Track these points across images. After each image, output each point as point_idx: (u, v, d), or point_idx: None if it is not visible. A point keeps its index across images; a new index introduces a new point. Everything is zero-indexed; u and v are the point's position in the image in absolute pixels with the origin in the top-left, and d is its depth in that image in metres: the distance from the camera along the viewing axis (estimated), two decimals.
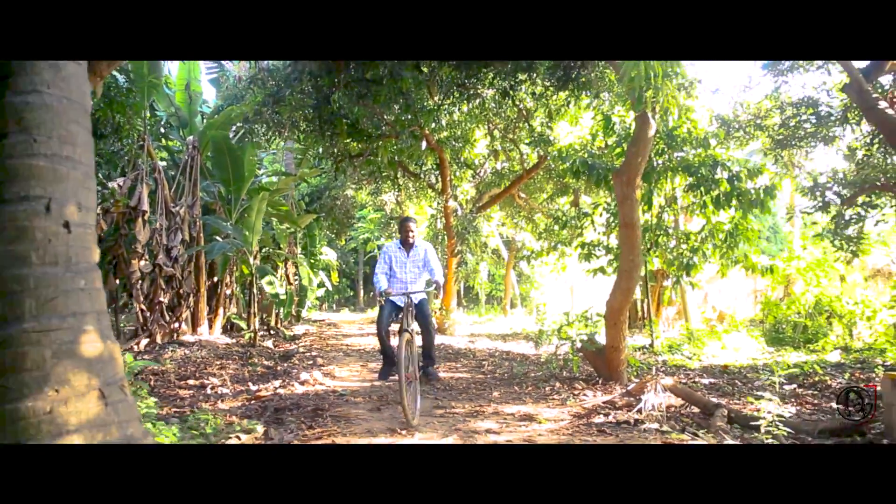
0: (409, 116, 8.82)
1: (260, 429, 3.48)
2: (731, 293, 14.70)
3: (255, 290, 9.51)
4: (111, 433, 2.16)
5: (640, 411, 4.14)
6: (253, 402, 5.00)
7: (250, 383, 5.86)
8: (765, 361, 7.81)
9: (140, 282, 8.64)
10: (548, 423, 4.08)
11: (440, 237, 12.61)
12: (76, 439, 2.04)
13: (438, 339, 10.80)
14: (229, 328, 10.40)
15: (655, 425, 3.81)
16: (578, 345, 6.04)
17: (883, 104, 7.16)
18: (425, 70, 8.29)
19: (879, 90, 7.76)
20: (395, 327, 4.94)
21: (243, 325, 9.71)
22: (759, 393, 4.28)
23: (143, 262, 8.66)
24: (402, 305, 4.81)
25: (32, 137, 2.20)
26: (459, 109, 9.40)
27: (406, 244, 5.16)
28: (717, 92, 13.71)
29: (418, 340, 4.82)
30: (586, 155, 9.39)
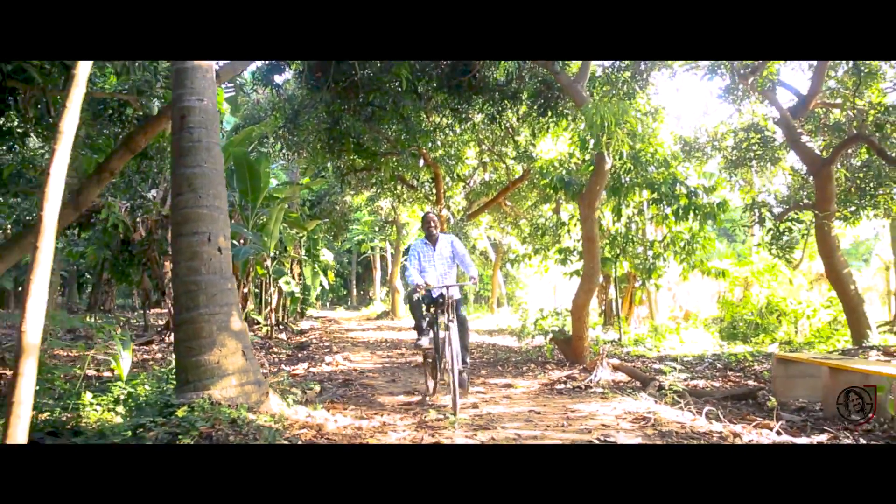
0: (409, 137, 10.23)
1: (317, 387, 4.89)
2: (697, 294, 16.31)
3: (271, 289, 10.89)
4: (249, 377, 3.57)
5: (590, 381, 5.60)
6: (291, 378, 6.39)
7: (282, 365, 7.24)
8: (714, 352, 9.31)
9: (169, 281, 9.95)
10: (521, 388, 5.54)
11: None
12: (233, 379, 3.45)
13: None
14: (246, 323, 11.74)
15: (599, 390, 5.28)
16: (550, 335, 7.51)
17: (805, 138, 8.72)
18: (421, 90, 9.69)
19: (805, 125, 9.32)
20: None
21: (260, 319, 11.08)
22: (672, 367, 5.76)
23: (168, 264, 9.97)
24: (435, 298, 4.89)
25: (198, 195, 3.60)
26: (453, 131, 10.84)
27: (430, 238, 5.22)
28: (680, 118, 15.22)
29: (456, 339, 4.59)
30: (563, 171, 10.83)
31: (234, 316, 3.60)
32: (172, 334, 10.06)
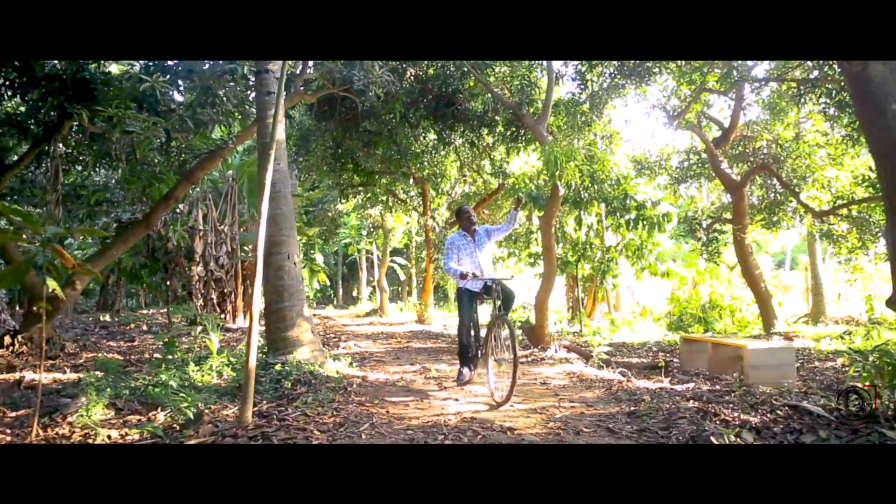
0: (401, 158, 12.21)
1: (349, 359, 6.85)
2: (653, 292, 18.61)
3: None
4: (315, 347, 5.54)
5: (545, 356, 7.67)
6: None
7: None
8: (657, 340, 11.45)
9: (198, 283, 11.79)
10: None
11: (419, 247, 16.05)
12: (307, 347, 5.41)
13: (419, 327, 14.30)
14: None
15: (550, 361, 7.35)
16: (519, 324, 9.56)
17: (724, 165, 10.92)
18: (412, 119, 11.65)
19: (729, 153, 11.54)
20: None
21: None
22: (601, 343, 7.85)
23: (199, 268, 11.81)
24: (479, 291, 5.03)
25: (280, 228, 5.56)
26: (437, 154, 12.84)
27: (469, 231, 5.35)
28: (632, 141, 17.52)
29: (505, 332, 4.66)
30: (533, 187, 12.90)
31: (304, 306, 5.55)
32: (198, 328, 11.89)
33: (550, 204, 9.14)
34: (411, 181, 12.89)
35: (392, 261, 24.72)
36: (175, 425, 3.79)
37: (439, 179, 13.25)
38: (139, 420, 3.99)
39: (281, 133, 5.94)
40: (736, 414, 3.84)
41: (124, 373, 5.53)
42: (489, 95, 11.13)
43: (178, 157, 8.54)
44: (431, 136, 12.38)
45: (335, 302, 31.30)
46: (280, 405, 4.29)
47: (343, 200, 17.03)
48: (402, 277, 26.33)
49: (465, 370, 5.27)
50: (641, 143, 15.13)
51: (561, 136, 13.25)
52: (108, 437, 3.54)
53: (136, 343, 9.45)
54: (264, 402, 4.40)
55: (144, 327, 12.72)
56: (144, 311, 18.54)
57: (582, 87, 12.32)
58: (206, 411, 4.05)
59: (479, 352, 5.07)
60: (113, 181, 10.28)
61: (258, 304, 3.95)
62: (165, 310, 14.36)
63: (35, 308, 7.83)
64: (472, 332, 5.13)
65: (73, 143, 7.41)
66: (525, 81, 11.09)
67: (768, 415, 3.76)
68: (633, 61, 10.66)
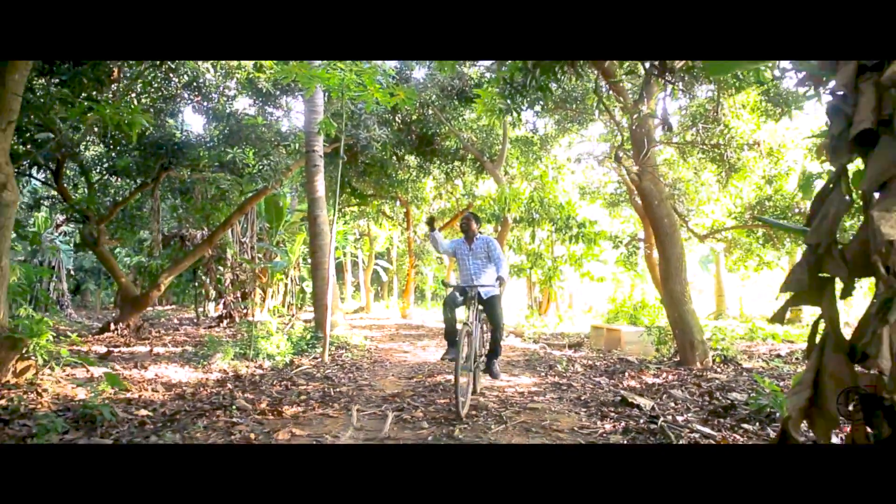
0: (389, 185, 15.65)
1: (363, 337, 10.27)
2: (601, 294, 22.40)
3: (293, 289, 16.12)
4: (346, 327, 8.99)
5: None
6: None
7: None
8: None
9: (228, 284, 15.05)
10: None
11: (401, 254, 19.49)
12: (342, 327, 8.86)
13: (403, 321, 17.82)
14: (272, 313, 16.93)
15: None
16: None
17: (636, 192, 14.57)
18: (399, 154, 15.08)
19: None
20: (460, 314, 5.27)
21: (284, 311, 16.27)
22: (535, 329, 11.43)
23: (228, 273, 15.08)
24: (468, 292, 5.07)
25: (323, 252, 8.99)
26: (419, 181, 16.34)
27: (468, 238, 5.40)
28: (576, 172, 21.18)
29: (477, 335, 4.92)
30: (496, 207, 16.44)
31: (336, 300, 8.97)
32: (225, 321, 15.16)
33: (502, 229, 12.70)
34: (398, 203, 16.32)
35: (376, 264, 28.10)
36: (280, 365, 7.17)
37: (420, 201, 16.74)
38: (257, 363, 7.35)
39: (319, 190, 9.37)
40: (598, 364, 7.38)
41: (222, 342, 8.89)
42: (461, 135, 14.64)
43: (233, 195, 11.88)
44: (414, 167, 15.85)
45: None
46: (335, 357, 7.73)
47: (339, 217, 20.43)
48: (385, 278, 29.70)
49: (452, 350, 5.13)
50: (584, 172, 18.86)
51: (518, 166, 16.91)
52: (246, 367, 6.89)
53: (187, 331, 12.72)
54: (324, 355, 7.83)
55: (175, 321, 15.97)
56: (159, 308, 21.65)
57: (533, 130, 15.97)
58: (295, 359, 7.46)
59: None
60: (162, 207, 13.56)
61: (329, 298, 7.39)
62: (183, 306, 17.60)
63: (128, 302, 11.06)
64: (454, 327, 5.12)
65: (165, 188, 10.72)
66: (487, 127, 14.59)
67: (615, 364, 7.33)
68: (574, 109, 14.13)
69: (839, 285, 1.86)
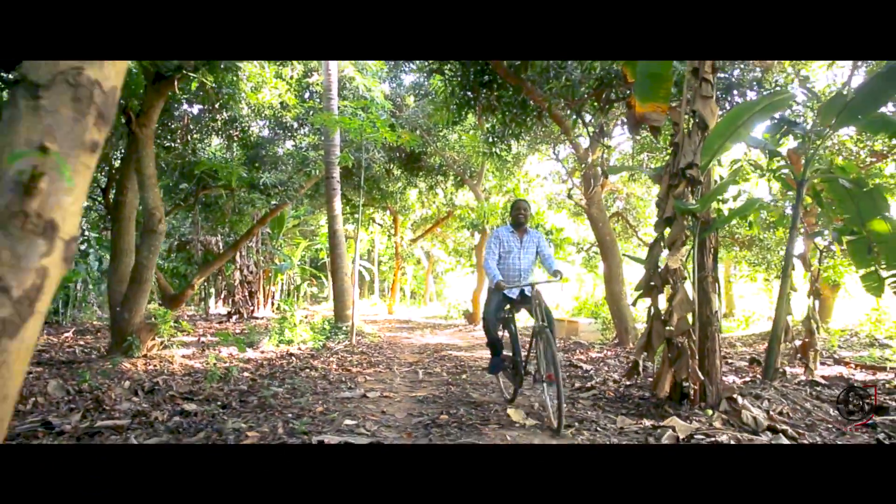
0: (380, 196, 18.00)
1: (372, 328, 12.60)
2: (568, 293, 25.13)
3: (293, 288, 18.33)
4: (359, 319, 11.36)
5: (474, 328, 13.69)
6: None
7: None
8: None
9: (237, 284, 17.21)
10: (447, 333, 13.49)
11: (385, 255, 21.87)
12: (356, 319, 11.23)
13: (391, 317, 20.23)
14: (276, 309, 19.13)
15: (479, 332, 13.35)
16: (463, 312, 15.57)
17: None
18: (389, 169, 17.42)
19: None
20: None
21: (286, 306, 18.45)
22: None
23: (237, 274, 17.23)
24: (514, 298, 4.76)
25: (341, 260, 11.37)
26: (406, 193, 18.73)
27: (519, 228, 4.96)
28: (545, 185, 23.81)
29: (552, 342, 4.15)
30: (474, 216, 18.92)
31: (355, 296, 11.32)
32: (234, 317, 17.29)
33: (482, 238, 15.19)
34: (388, 212, 18.68)
35: (360, 265, 30.39)
36: (317, 347, 9.47)
37: (406, 210, 19.15)
38: (296, 346, 9.64)
39: (337, 209, 11.70)
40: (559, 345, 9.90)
41: (264, 331, 11.16)
42: (445, 154, 17.06)
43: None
44: (402, 181, 18.23)
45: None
46: (358, 342, 10.10)
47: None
48: (367, 278, 31.98)
49: (496, 359, 4.87)
50: (552, 185, 21.45)
51: (494, 180, 19.42)
52: (289, 349, 9.17)
53: (203, 326, 14.89)
54: (345, 341, 10.15)
55: (185, 317, 18.06)
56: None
57: (507, 148, 18.48)
58: (326, 343, 9.78)
59: (522, 368, 4.62)
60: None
61: (356, 295, 9.75)
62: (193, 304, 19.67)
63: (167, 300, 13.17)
64: (507, 339, 4.85)
65: (201, 203, 12.91)
66: (468, 149, 17.02)
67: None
68: (543, 132, 16.62)
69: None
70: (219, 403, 4.68)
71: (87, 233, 12.95)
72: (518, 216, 4.97)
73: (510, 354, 4.84)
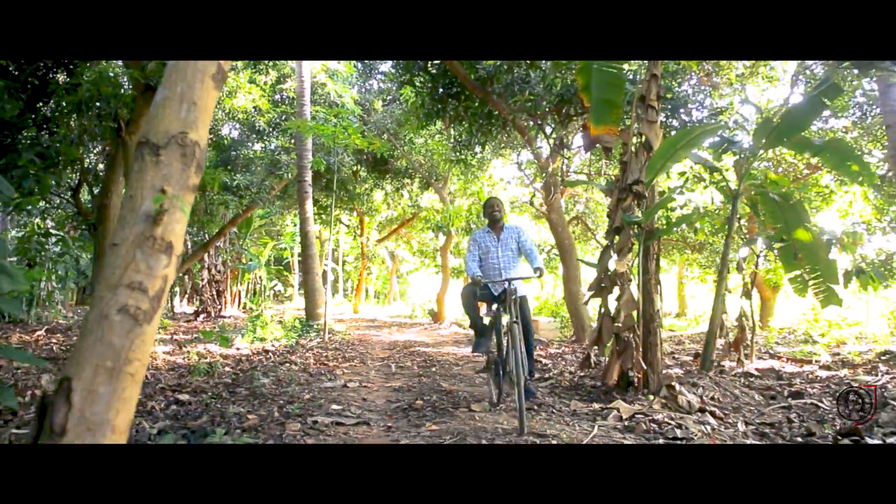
0: (348, 199, 18.42)
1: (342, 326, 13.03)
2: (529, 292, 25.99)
3: (260, 288, 18.58)
4: (329, 318, 11.84)
5: (441, 327, 14.27)
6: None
7: None
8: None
9: (205, 283, 17.37)
10: (413, 331, 14.04)
11: (351, 255, 22.28)
12: (326, 317, 11.68)
13: (356, 315, 20.64)
14: (243, 308, 19.33)
15: (444, 330, 13.94)
16: (428, 311, 16.14)
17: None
18: (358, 171, 17.86)
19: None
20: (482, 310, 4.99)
21: (254, 306, 18.69)
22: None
23: (205, 273, 17.40)
24: (496, 294, 4.74)
25: (312, 260, 11.80)
26: (373, 194, 19.20)
27: (494, 226, 5.00)
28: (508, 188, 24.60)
29: (520, 339, 3.99)
30: (438, 218, 19.51)
31: (325, 294, 11.75)
32: (202, 315, 17.45)
33: (446, 241, 15.79)
34: (354, 213, 19.11)
35: (325, 263, 30.64)
36: (291, 344, 9.89)
37: (373, 212, 19.62)
38: (271, 342, 10.03)
39: (309, 212, 12.11)
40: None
41: (235, 329, 11.49)
42: (412, 158, 17.59)
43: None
44: (369, 183, 18.68)
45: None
46: (331, 339, 10.55)
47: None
48: (331, 277, 32.25)
49: (480, 339, 4.92)
50: (515, 188, 22.20)
51: (459, 183, 20.04)
52: (264, 345, 9.58)
53: (177, 324, 15.08)
54: (317, 339, 10.58)
55: None
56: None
57: (473, 153, 19.12)
58: (299, 340, 10.21)
59: (502, 369, 4.50)
60: None
61: (323, 293, 10.20)
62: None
63: None
64: (493, 338, 4.77)
65: None
66: (434, 152, 17.59)
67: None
68: (507, 140, 17.30)
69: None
70: (209, 395, 5.12)
71: (60, 232, 12.97)
72: (492, 213, 5.07)
73: (495, 353, 4.81)
